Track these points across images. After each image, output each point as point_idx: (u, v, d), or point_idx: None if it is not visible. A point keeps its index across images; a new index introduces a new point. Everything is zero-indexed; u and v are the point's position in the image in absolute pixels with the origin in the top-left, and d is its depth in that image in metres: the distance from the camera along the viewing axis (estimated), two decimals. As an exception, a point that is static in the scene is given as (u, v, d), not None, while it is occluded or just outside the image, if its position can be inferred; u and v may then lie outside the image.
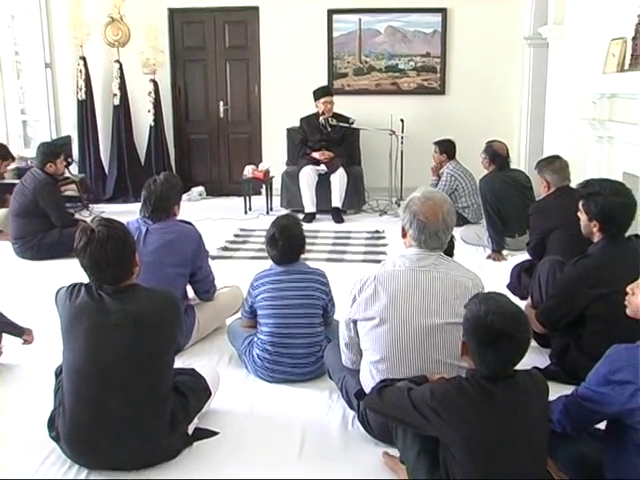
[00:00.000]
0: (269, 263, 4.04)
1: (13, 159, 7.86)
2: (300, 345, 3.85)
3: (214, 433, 3.29)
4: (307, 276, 3.94)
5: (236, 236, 7.44)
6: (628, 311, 2.83)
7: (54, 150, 6.87)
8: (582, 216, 3.83)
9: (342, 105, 8.68)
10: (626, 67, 5.29)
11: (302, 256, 4.04)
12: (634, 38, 5.20)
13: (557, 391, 2.82)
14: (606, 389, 2.49)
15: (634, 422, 2.44)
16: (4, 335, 4.12)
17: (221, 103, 9.95)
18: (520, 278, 5.01)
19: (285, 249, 3.92)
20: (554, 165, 5.11)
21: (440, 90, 9.55)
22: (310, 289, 3.90)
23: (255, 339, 3.95)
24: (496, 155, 6.63)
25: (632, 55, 5.23)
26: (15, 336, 4.16)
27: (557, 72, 7.45)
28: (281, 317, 3.84)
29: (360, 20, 9.46)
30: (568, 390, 2.77)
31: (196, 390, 3.28)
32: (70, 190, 8.40)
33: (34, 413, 3.37)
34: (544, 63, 8.19)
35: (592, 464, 2.69)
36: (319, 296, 3.92)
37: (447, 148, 7.90)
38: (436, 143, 7.98)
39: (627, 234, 3.78)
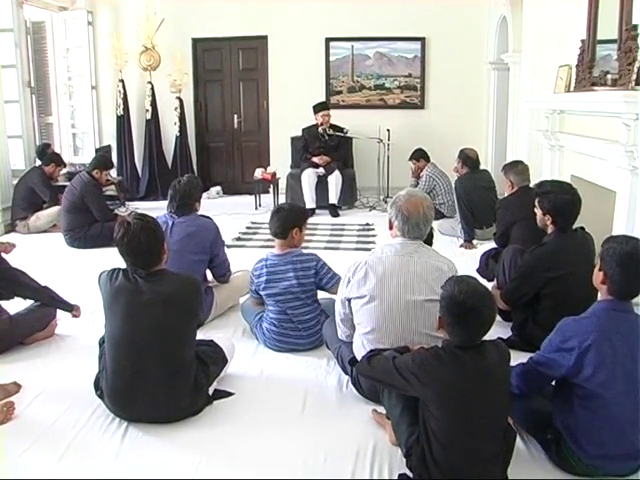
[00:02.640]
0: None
1: (65, 165, 7.87)
2: (300, 321, 3.84)
3: (230, 394, 3.30)
4: (297, 265, 3.82)
5: (248, 228, 7.42)
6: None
7: (106, 163, 6.94)
8: (538, 211, 3.84)
9: (338, 117, 8.65)
10: (572, 89, 5.31)
11: (303, 244, 4.01)
12: (577, 65, 5.22)
13: (517, 358, 2.82)
14: (556, 355, 2.55)
15: (579, 380, 2.50)
16: (58, 311, 4.13)
17: (235, 116, 9.90)
18: (488, 263, 5.01)
19: (283, 217, 3.86)
20: (517, 168, 5.11)
21: (420, 105, 9.52)
22: (300, 276, 3.80)
23: (264, 315, 3.95)
24: (467, 159, 6.62)
25: (576, 79, 5.25)
26: (66, 311, 4.15)
27: (516, 91, 7.43)
28: (281, 302, 3.82)
29: (353, 47, 9.43)
30: (526, 357, 2.79)
31: (215, 358, 3.29)
32: (110, 190, 8.36)
33: (83, 375, 3.37)
34: (506, 84, 8.17)
35: (541, 417, 2.74)
36: (309, 276, 3.83)
37: (421, 155, 7.87)
38: (411, 157, 7.93)
39: (575, 226, 3.78)
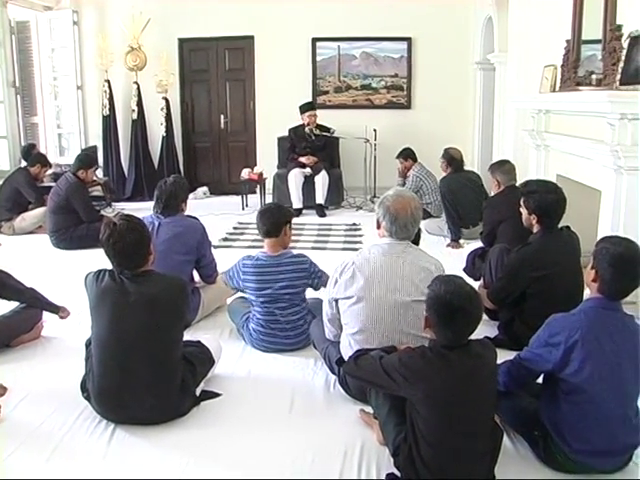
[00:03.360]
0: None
1: (50, 166, 7.83)
2: (288, 321, 3.83)
3: (218, 394, 3.30)
4: (288, 267, 3.81)
5: (235, 228, 7.42)
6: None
7: (89, 161, 6.89)
8: (523, 211, 3.86)
9: (324, 117, 8.66)
10: (557, 89, 5.33)
11: (290, 244, 4.01)
12: (562, 65, 5.26)
13: (504, 356, 2.84)
14: (543, 350, 2.59)
15: (565, 375, 2.53)
16: (44, 312, 4.11)
17: (222, 116, 9.89)
18: (474, 263, 5.00)
19: (273, 215, 3.83)
20: (504, 167, 5.15)
21: (407, 105, 9.55)
22: (292, 278, 3.80)
23: (251, 315, 3.94)
24: (452, 159, 6.66)
25: (561, 79, 5.28)
26: (52, 313, 4.13)
27: (502, 91, 7.46)
28: (269, 302, 3.81)
29: (339, 47, 9.45)
30: (512, 355, 2.80)
31: (202, 359, 3.29)
32: (96, 191, 8.34)
33: (69, 377, 3.35)
34: (492, 83, 8.20)
35: (528, 415, 2.76)
36: (300, 278, 3.83)
37: (409, 154, 7.91)
38: (398, 156, 7.97)
39: (561, 225, 3.81)
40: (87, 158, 6.99)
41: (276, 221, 3.83)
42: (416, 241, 3.33)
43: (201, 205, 8.48)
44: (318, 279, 3.90)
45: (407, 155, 7.90)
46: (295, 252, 4.01)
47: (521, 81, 6.50)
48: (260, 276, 3.81)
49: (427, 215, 7.17)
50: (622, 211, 4.02)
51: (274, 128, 9.10)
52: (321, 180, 8.19)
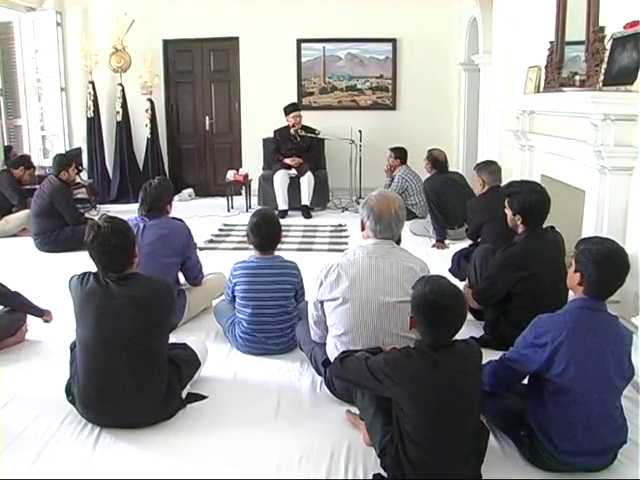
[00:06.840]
0: (249, 253, 4.00)
1: (34, 168, 7.78)
2: (274, 329, 3.82)
3: (204, 397, 3.29)
4: (281, 270, 3.84)
5: (220, 230, 7.40)
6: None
7: (66, 160, 6.85)
8: (508, 211, 3.88)
9: (309, 119, 8.65)
10: (541, 89, 5.37)
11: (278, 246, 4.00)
12: (546, 67, 5.29)
13: (489, 356, 2.86)
14: (529, 351, 2.60)
15: (550, 375, 2.54)
16: (28, 316, 4.08)
17: (207, 118, 9.87)
18: (459, 263, 5.04)
19: (268, 234, 3.83)
20: (490, 168, 5.19)
21: (392, 106, 9.57)
22: (283, 281, 3.81)
23: (237, 321, 3.92)
24: (436, 161, 6.72)
25: (545, 80, 5.31)
26: (37, 316, 4.11)
27: (487, 92, 7.49)
28: (257, 308, 3.79)
29: (324, 48, 9.46)
30: (498, 355, 2.81)
31: (188, 361, 3.28)
32: (81, 193, 8.33)
33: (54, 381, 3.34)
34: (477, 84, 8.22)
35: (514, 415, 2.77)
36: (292, 283, 3.84)
37: (400, 154, 7.95)
38: (392, 149, 8.02)
39: (545, 225, 3.83)
40: (63, 158, 6.97)
41: (275, 238, 3.89)
42: (397, 241, 3.34)
43: (186, 207, 8.47)
44: (302, 292, 3.95)
45: (398, 155, 7.95)
46: (281, 254, 4.02)
47: (505, 82, 6.53)
48: (251, 277, 3.81)
49: (413, 216, 7.23)
50: (606, 211, 4.04)
51: (259, 129, 9.09)
52: (306, 181, 8.19)
